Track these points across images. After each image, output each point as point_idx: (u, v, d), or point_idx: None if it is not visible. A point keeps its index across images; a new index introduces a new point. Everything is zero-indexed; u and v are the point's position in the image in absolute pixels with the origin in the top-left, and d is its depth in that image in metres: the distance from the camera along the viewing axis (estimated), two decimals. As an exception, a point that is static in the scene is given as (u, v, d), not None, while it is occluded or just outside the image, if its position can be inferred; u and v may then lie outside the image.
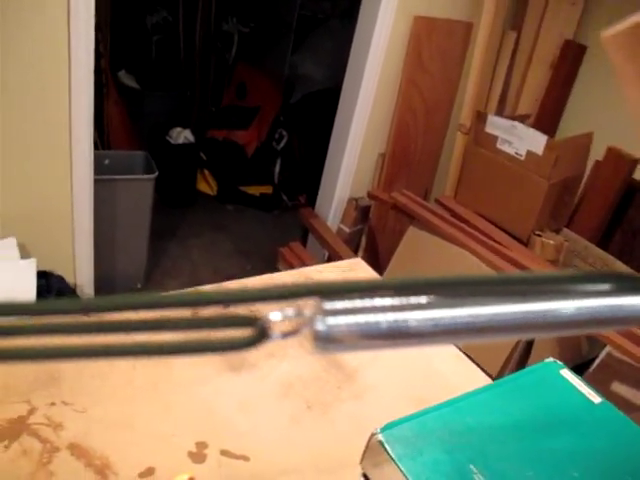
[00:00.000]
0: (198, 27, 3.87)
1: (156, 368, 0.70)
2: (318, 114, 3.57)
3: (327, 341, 0.26)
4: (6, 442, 0.58)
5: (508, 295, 0.28)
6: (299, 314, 0.26)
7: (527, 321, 0.28)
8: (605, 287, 0.30)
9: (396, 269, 2.15)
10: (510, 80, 2.48)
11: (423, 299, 0.27)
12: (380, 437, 0.50)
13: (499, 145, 2.04)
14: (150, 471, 0.58)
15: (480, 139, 2.11)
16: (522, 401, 0.60)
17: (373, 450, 0.52)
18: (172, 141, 3.22)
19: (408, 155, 2.42)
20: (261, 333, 0.26)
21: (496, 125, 2.04)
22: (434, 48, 2.32)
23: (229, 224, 3.26)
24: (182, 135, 3.27)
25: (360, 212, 2.39)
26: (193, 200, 3.36)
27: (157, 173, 2.32)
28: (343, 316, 0.26)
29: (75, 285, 2.08)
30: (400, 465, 0.48)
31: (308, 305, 0.26)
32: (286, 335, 0.26)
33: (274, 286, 0.25)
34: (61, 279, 1.93)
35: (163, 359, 0.73)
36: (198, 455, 0.61)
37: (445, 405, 0.57)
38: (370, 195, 2.38)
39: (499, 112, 2.42)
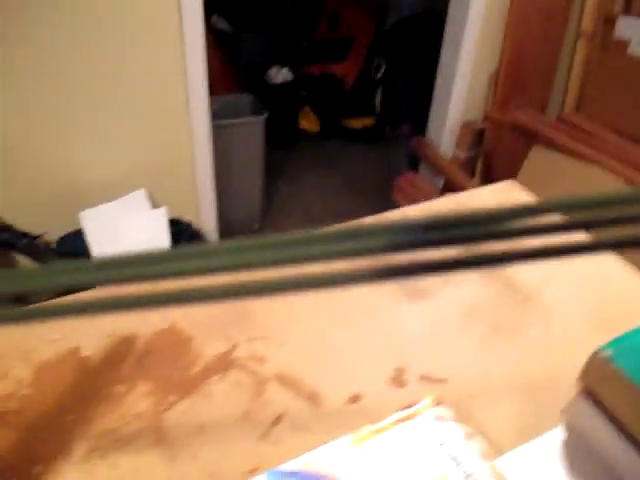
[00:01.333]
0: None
1: (341, 295, 0.72)
2: (415, 39, 3.45)
3: None
4: (220, 375, 0.61)
5: None
6: None
7: None
8: None
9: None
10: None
11: None
12: (608, 352, 0.49)
13: (633, 49, 1.89)
14: (357, 397, 0.60)
15: (608, 45, 1.96)
16: None
17: (598, 366, 0.50)
18: (271, 81, 3.21)
19: (523, 72, 2.30)
20: None
21: (628, 26, 1.88)
22: (547, -50, 2.15)
23: (334, 159, 3.25)
24: (280, 74, 3.26)
25: (475, 136, 2.32)
26: (296, 138, 3.37)
27: (267, 114, 2.34)
28: None
29: (200, 230, 2.16)
30: (635, 379, 0.47)
31: None
32: None
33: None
34: (189, 225, 2.01)
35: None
36: (399, 380, 0.62)
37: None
38: (486, 117, 2.29)
39: (626, 14, 2.23)
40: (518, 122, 2.05)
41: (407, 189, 2.33)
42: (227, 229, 2.39)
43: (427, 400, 0.44)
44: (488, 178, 2.36)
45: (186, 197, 2.09)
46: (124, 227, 1.87)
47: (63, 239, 1.99)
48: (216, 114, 2.41)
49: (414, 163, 2.79)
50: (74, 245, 1.93)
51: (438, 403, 0.44)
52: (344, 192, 2.93)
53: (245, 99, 2.60)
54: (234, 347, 0.64)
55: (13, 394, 0.60)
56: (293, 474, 0.40)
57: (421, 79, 3.27)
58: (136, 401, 0.59)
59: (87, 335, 0.66)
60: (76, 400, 0.59)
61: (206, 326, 0.67)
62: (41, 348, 0.65)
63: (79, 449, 0.55)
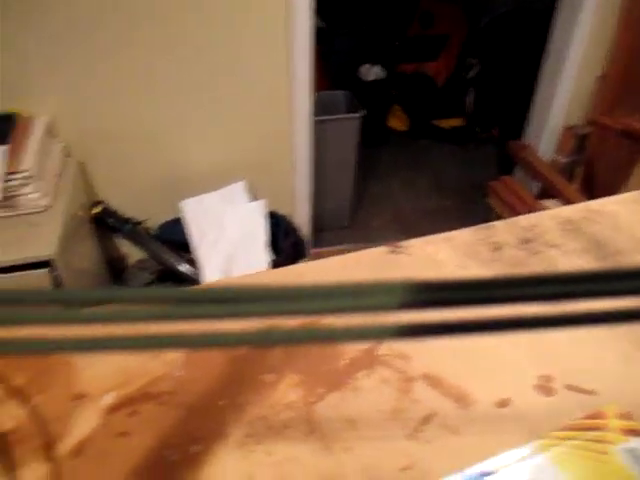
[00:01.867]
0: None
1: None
2: (510, 38, 3.37)
3: None
4: (366, 370, 0.62)
5: None
6: None
7: None
8: None
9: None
10: None
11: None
12: None
13: None
14: (505, 402, 0.59)
15: None
16: None
17: None
18: (363, 78, 3.21)
19: (633, 75, 2.20)
20: None
21: None
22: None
23: (424, 160, 3.22)
24: (372, 71, 3.25)
25: (577, 141, 2.24)
26: (386, 137, 3.35)
27: (365, 112, 2.34)
28: None
29: (295, 224, 2.18)
30: None
31: None
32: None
33: None
34: (285, 218, 2.03)
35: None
36: (546, 388, 0.61)
37: None
38: (591, 122, 2.21)
39: None
40: (629, 127, 1.97)
41: (503, 193, 2.28)
42: (317, 224, 2.41)
43: (612, 411, 0.43)
44: (589, 184, 2.28)
45: (283, 191, 2.12)
46: (223, 217, 1.92)
47: (163, 226, 2.05)
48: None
49: (506, 166, 2.73)
50: (173, 232, 1.99)
51: (625, 416, 0.43)
52: (433, 193, 2.90)
53: (340, 96, 2.61)
54: (378, 344, 0.65)
55: (167, 375, 0.63)
56: (487, 475, 0.40)
57: (515, 80, 3.20)
58: (286, 391, 0.60)
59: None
60: (227, 385, 0.61)
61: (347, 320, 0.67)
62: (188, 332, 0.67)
63: (234, 433, 0.56)
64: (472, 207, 2.78)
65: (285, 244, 1.92)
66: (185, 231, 1.93)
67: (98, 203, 1.98)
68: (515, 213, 2.16)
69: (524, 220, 0.86)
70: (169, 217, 2.06)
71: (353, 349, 0.64)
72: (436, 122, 3.41)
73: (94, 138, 1.92)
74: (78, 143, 1.90)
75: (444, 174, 3.08)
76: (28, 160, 1.62)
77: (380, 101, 3.27)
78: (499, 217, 2.45)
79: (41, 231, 1.55)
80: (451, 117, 3.43)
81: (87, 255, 1.89)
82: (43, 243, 1.50)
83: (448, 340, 0.66)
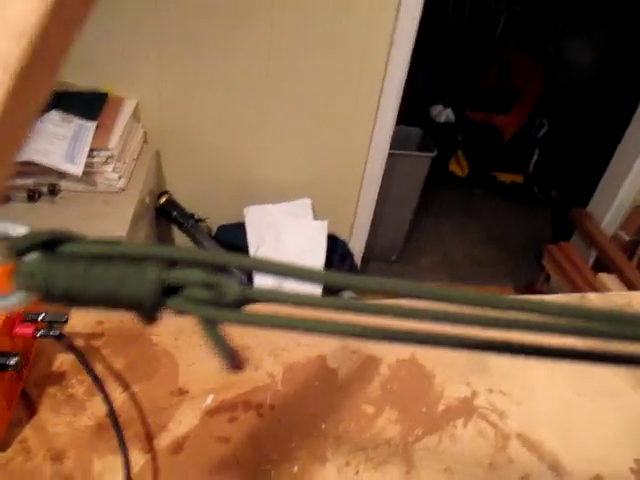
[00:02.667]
0: (468, 3, 3.79)
1: (575, 368, 0.71)
2: (585, 106, 3.36)
3: None
4: (463, 419, 0.62)
5: None
6: None
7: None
8: None
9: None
10: None
11: None
12: None
13: None
14: (600, 478, 0.59)
15: None
16: None
17: None
18: (434, 118, 3.23)
19: None
20: None
21: None
22: None
23: (478, 209, 3.21)
24: (444, 113, 3.27)
25: (645, 221, 2.23)
26: (444, 180, 3.35)
27: (436, 152, 2.35)
28: None
29: (352, 251, 2.19)
30: None
31: None
32: None
33: None
34: (344, 244, 2.04)
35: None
36: (640, 474, 0.60)
37: None
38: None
39: None
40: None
41: (559, 258, 2.26)
42: (366, 254, 2.40)
43: None
44: (647, 266, 2.25)
45: (344, 216, 2.13)
46: (284, 230, 1.93)
47: (222, 228, 2.08)
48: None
49: (562, 230, 2.72)
50: (232, 236, 2.02)
51: None
52: (484, 244, 2.89)
53: (414, 132, 2.63)
54: (474, 395, 0.65)
55: (267, 387, 0.64)
56: None
57: (583, 146, 3.19)
58: (385, 426, 0.61)
59: (333, 347, 0.69)
60: (326, 409, 0.62)
61: (446, 367, 0.68)
62: (289, 349, 0.68)
63: (333, 460, 0.57)
64: (520, 264, 2.76)
65: (340, 269, 1.93)
66: (243, 237, 1.95)
67: (164, 193, 2.01)
68: (569, 281, 2.15)
69: (619, 298, 0.86)
70: (229, 220, 2.08)
71: (450, 395, 0.65)
72: (495, 174, 3.40)
73: (172, 129, 1.95)
74: (156, 132, 1.94)
75: (496, 226, 3.07)
76: (113, 140, 1.66)
77: (446, 144, 3.28)
78: (548, 279, 2.44)
79: (114, 211, 1.58)
80: (511, 172, 3.42)
81: (146, 242, 1.93)
82: (115, 223, 1.53)
83: (542, 401, 0.66)
